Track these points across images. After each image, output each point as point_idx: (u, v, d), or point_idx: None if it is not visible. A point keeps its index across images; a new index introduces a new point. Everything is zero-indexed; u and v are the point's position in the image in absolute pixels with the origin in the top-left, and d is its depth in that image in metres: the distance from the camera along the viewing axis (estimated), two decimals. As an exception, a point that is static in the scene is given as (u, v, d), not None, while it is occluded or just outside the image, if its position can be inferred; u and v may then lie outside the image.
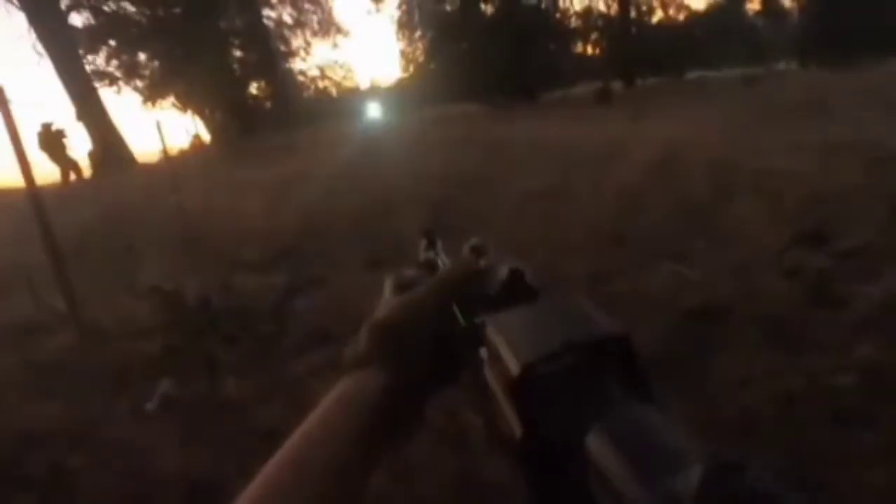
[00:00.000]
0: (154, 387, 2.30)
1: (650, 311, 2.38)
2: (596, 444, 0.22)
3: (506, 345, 0.29)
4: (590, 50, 21.82)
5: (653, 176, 4.60)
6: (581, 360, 0.27)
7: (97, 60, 16.29)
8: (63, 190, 11.80)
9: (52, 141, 12.51)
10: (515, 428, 0.26)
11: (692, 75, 18.62)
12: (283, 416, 2.04)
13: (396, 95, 22.73)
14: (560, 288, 0.38)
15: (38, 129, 12.37)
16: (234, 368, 2.43)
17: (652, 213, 3.61)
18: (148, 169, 12.59)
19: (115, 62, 16.73)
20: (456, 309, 0.41)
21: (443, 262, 0.55)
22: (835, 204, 3.17)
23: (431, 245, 0.59)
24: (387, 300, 0.42)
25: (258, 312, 3.00)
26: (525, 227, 3.83)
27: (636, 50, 18.89)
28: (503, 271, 0.39)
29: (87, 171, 13.57)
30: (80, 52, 15.11)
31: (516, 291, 0.38)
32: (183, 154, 14.78)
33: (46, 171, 12.60)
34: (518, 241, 3.55)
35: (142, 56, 16.97)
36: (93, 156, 14.04)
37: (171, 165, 6.72)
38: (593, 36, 21.34)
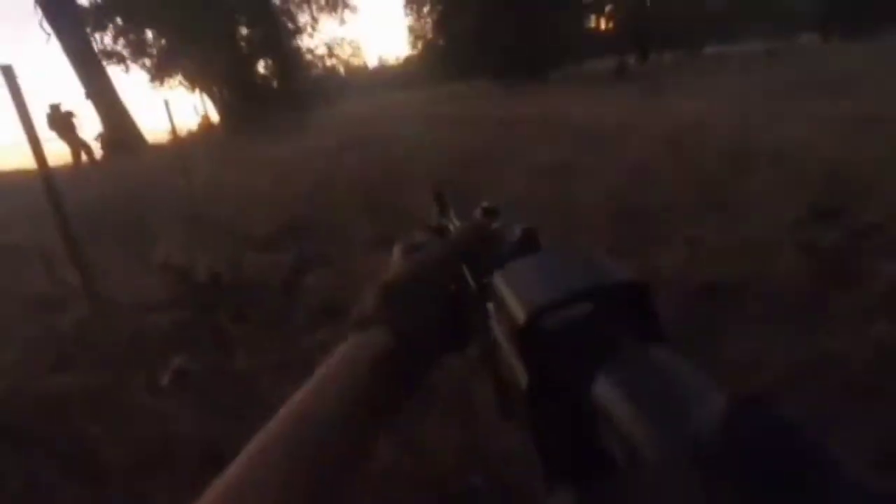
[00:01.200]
0: (167, 359, 2.34)
1: (660, 286, 2.35)
2: (603, 388, 0.20)
3: (511, 293, 0.28)
4: (603, 24, 21.29)
5: (666, 151, 4.51)
6: (591, 308, 0.25)
7: (105, 39, 16.23)
8: (74, 170, 11.91)
9: (61, 122, 12.58)
10: (521, 378, 0.25)
11: (710, 50, 18.11)
12: (292, 389, 2.07)
13: (405, 73, 22.45)
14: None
15: (48, 110, 12.44)
16: (244, 343, 2.47)
17: (665, 188, 3.56)
18: (157, 148, 12.63)
19: (122, 41, 16.66)
20: (466, 271, 0.40)
21: (454, 226, 0.54)
22: (854, 179, 3.09)
23: (443, 209, 0.58)
24: (395, 261, 0.41)
25: (267, 288, 3.03)
26: (535, 204, 3.79)
27: (651, 24, 18.38)
28: (516, 232, 0.38)
29: (97, 152, 13.66)
30: (87, 30, 15.04)
31: (529, 252, 0.36)
32: (192, 133, 14.80)
33: (57, 152, 12.72)
34: (527, 217, 3.51)
35: (149, 34, 16.86)
36: (103, 136, 14.11)
37: (180, 145, 6.73)
38: (607, 9, 20.79)
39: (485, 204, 0.46)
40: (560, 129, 6.45)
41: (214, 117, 17.80)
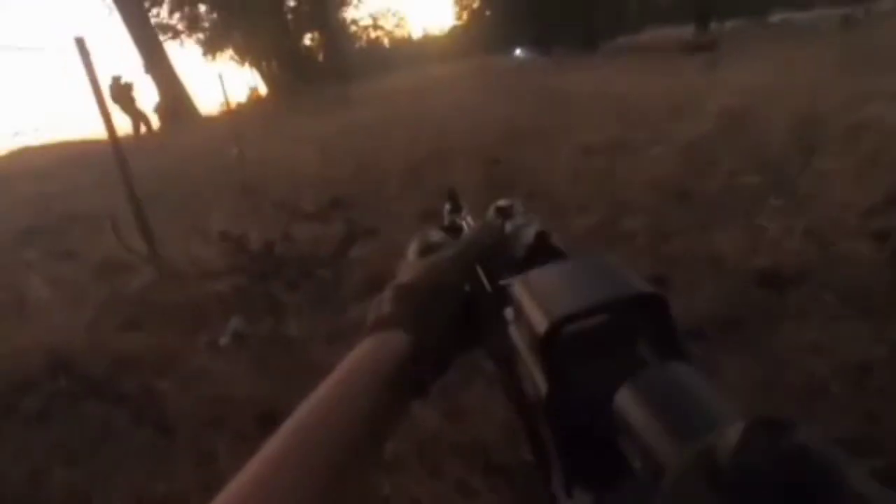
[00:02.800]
0: (226, 323, 2.48)
1: (716, 272, 2.27)
2: (625, 402, 0.21)
3: (533, 302, 0.28)
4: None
5: (725, 129, 4.27)
6: (611, 319, 0.26)
7: (161, 13, 16.74)
8: (134, 141, 12.52)
9: (121, 94, 13.18)
10: (541, 386, 0.26)
11: (777, 17, 16.78)
12: (340, 354, 2.16)
13: (450, 44, 22.06)
14: (601, 249, 0.37)
15: (109, 82, 13.04)
16: (295, 310, 2.57)
17: (723, 168, 3.39)
18: (211, 121, 13.05)
19: (177, 15, 17.15)
20: (481, 272, 0.40)
21: (468, 224, 0.55)
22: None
23: (456, 208, 0.58)
24: (411, 262, 0.42)
25: (316, 259, 3.12)
26: (584, 183, 3.70)
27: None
28: (530, 234, 0.39)
29: (154, 123, 14.27)
30: (146, 4, 15.55)
31: (543, 254, 0.38)
32: (242, 106, 15.20)
33: (118, 124, 13.35)
34: (576, 197, 3.44)
35: (202, 8, 17.26)
36: (160, 108, 14.70)
37: (232, 117, 6.93)
38: (665, -25, 19.54)
39: (499, 203, 0.46)
40: (612, 103, 6.21)
41: (263, 90, 18.19)
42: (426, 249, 0.43)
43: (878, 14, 12.86)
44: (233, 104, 10.83)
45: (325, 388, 0.33)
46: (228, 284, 2.83)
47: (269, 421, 1.90)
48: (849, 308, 1.89)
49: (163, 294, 2.81)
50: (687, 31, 16.04)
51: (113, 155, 3.10)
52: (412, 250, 0.45)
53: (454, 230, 0.54)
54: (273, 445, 0.30)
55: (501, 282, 0.37)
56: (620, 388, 0.21)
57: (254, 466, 0.29)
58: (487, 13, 19.87)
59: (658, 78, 7.62)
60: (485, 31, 19.32)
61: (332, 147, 6.41)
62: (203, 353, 2.26)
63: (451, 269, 0.39)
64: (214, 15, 17.40)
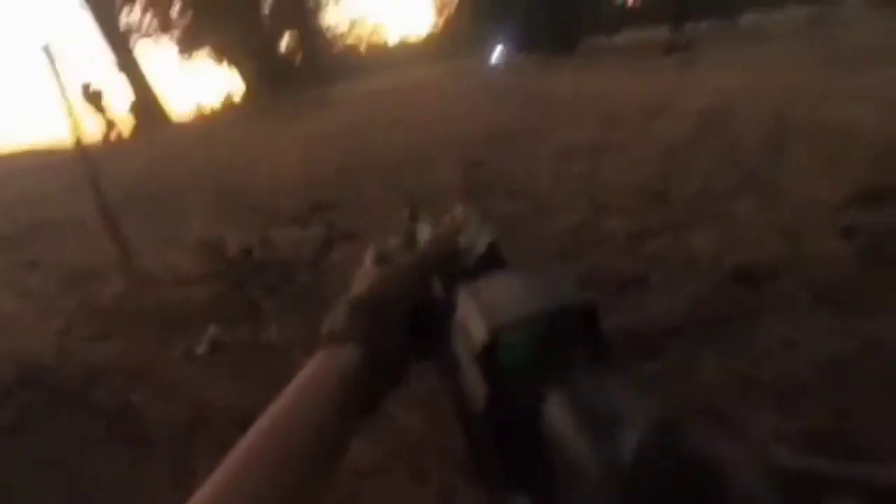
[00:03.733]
0: (203, 331, 2.43)
1: (693, 271, 2.31)
2: (551, 408, 0.22)
3: (474, 312, 0.29)
4: (635, -7, 20.42)
5: (701, 129, 4.36)
6: (547, 328, 0.27)
7: (133, 12, 16.37)
8: (105, 146, 12.22)
9: (91, 100, 12.91)
10: (480, 393, 0.27)
11: (748, 18, 17.22)
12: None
13: (428, 49, 22.09)
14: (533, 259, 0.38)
15: (80, 88, 12.76)
16: (275, 316, 2.53)
17: (699, 168, 3.45)
18: (185, 125, 12.81)
19: (149, 14, 16.79)
20: (436, 282, 0.41)
21: (422, 234, 0.55)
22: (901, 159, 2.94)
23: (413, 217, 0.59)
24: (365, 273, 0.42)
25: (296, 264, 3.08)
26: (564, 183, 3.73)
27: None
28: (481, 245, 0.40)
29: (126, 127, 13.96)
30: (117, 2, 15.20)
31: (493, 264, 0.39)
32: (217, 110, 14.95)
33: (89, 130, 13.08)
34: (557, 198, 3.47)
35: (175, 8, 16.93)
36: (135, 112, 14.40)
37: (207, 121, 6.82)
38: (640, -22, 19.89)
39: (453, 212, 0.47)
40: (590, 104, 6.28)
41: (239, 93, 17.92)
42: (381, 259, 0.43)
43: (841, 14, 13.32)
44: (207, 106, 10.65)
45: (278, 405, 0.33)
46: (205, 291, 2.78)
47: (246, 431, 1.87)
48: (821, 304, 1.94)
49: (137, 302, 2.74)
50: (663, 32, 16.35)
51: (81, 160, 3.01)
52: (367, 260, 0.44)
53: (411, 239, 0.55)
54: (231, 460, 0.30)
55: (457, 292, 0.37)
56: (548, 394, 0.23)
57: (214, 478, 0.29)
58: (464, 17, 19.93)
59: (635, 78, 7.75)
60: (462, 36, 19.38)
61: (311, 150, 6.34)
62: (180, 363, 2.20)
63: (404, 280, 0.39)
64: (189, 15, 17.09)
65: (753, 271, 2.21)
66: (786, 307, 1.97)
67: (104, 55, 14.49)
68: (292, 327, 2.43)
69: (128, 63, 14.39)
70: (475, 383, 0.28)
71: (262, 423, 0.32)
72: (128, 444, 1.76)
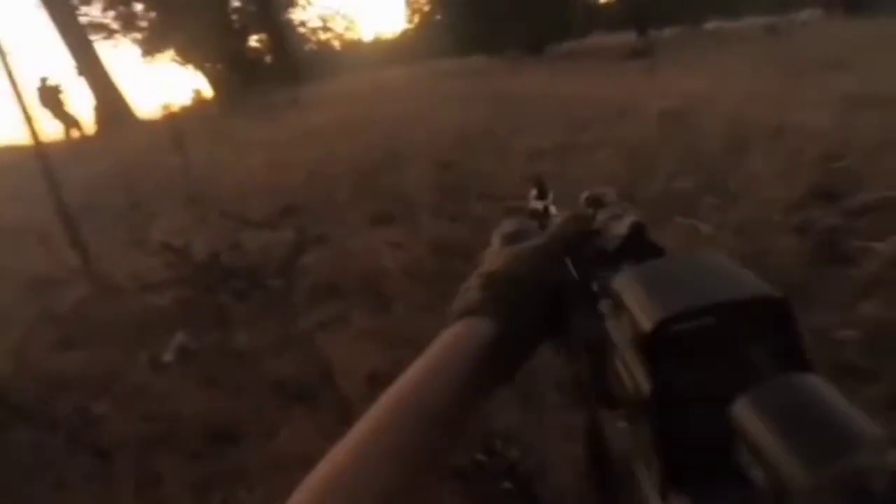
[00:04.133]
0: (169, 338, 2.37)
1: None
2: (747, 410, 0.20)
3: (639, 298, 0.27)
4: (603, -1, 20.86)
5: (665, 132, 4.49)
6: (725, 322, 0.24)
7: (92, 11, 15.79)
8: (66, 146, 11.75)
9: (50, 97, 12.36)
10: (643, 384, 0.25)
11: (710, 25, 17.81)
12: (293, 367, 2.12)
13: (402, 47, 22.02)
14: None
15: (37, 84, 12.20)
16: (245, 322, 2.49)
17: (663, 169, 3.55)
18: (150, 125, 12.44)
19: (111, 13, 16.22)
20: (569, 263, 0.40)
21: (554, 211, 0.54)
22: (851, 160, 3.10)
23: (542, 194, 0.58)
24: (496, 250, 0.42)
25: (266, 268, 3.04)
26: (532, 186, 3.79)
27: (651, -2, 18.00)
28: (623, 225, 0.37)
29: (89, 127, 13.45)
30: (75, 2, 14.63)
31: (637, 248, 0.36)
32: (185, 110, 14.55)
33: (49, 128, 12.53)
34: (526, 200, 3.52)
35: (138, 6, 16.41)
36: (97, 112, 13.89)
37: (174, 122, 6.64)
38: (607, -17, 20.33)
39: (589, 192, 0.44)
40: (559, 107, 6.39)
41: (208, 93, 17.49)
42: (511, 237, 0.43)
43: (799, 23, 13.90)
44: (175, 108, 10.36)
45: (413, 372, 0.34)
46: (171, 297, 2.71)
47: (219, 438, 1.83)
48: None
49: (99, 310, 2.66)
50: (629, 38, 16.74)
51: (39, 162, 2.90)
52: (497, 238, 0.44)
53: (540, 217, 0.54)
54: (366, 422, 0.31)
55: (595, 273, 0.36)
56: (741, 395, 0.20)
57: (350, 438, 0.30)
58: (438, 17, 19.98)
59: (601, 82, 7.92)
60: (435, 35, 19.41)
61: (282, 153, 6.25)
62: (145, 372, 2.15)
63: (537, 258, 0.39)
64: (152, 14, 16.57)
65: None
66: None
67: (64, 56, 13.94)
68: (263, 333, 2.40)
69: (88, 64, 13.86)
70: (636, 375, 0.26)
71: (394, 390, 0.32)
72: (89, 457, 1.70)
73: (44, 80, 12.30)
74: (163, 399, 1.95)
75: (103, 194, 5.54)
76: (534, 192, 0.59)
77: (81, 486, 1.60)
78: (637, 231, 0.36)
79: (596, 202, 0.42)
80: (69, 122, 12.75)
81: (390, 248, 3.13)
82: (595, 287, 0.36)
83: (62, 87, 12.70)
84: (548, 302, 0.37)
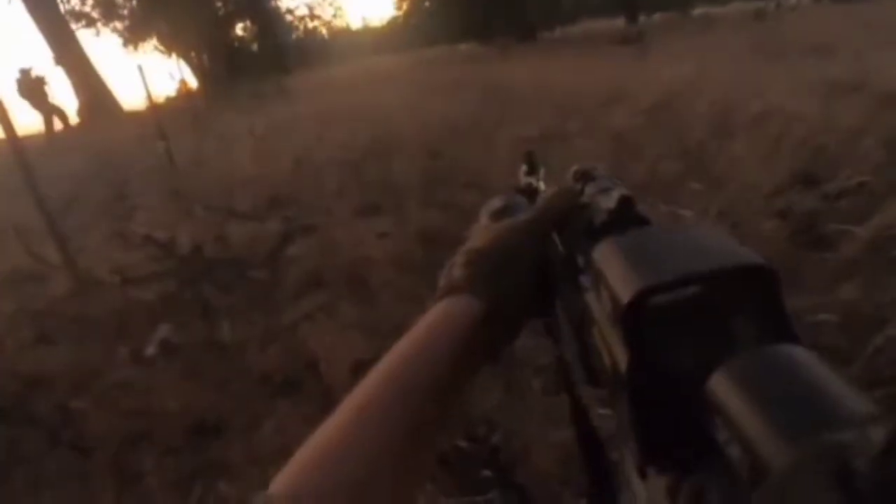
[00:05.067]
0: (152, 332, 2.35)
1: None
2: (723, 383, 0.19)
3: (617, 269, 0.26)
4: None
5: (651, 118, 4.49)
6: (707, 291, 0.23)
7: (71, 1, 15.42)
8: (48, 139, 11.53)
9: (32, 88, 12.09)
10: (621, 358, 0.24)
11: (699, 11, 17.79)
12: (278, 359, 2.11)
13: (390, 34, 21.77)
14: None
15: (17, 75, 11.93)
16: (229, 315, 2.47)
17: (648, 155, 3.56)
18: (134, 116, 12.24)
19: (91, 1, 15.86)
20: (556, 238, 0.39)
21: (543, 187, 0.53)
22: (833, 145, 3.12)
23: (532, 170, 0.56)
24: (482, 226, 0.41)
25: (251, 260, 3.01)
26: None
27: (641, -17, 17.93)
28: (611, 199, 0.35)
29: (72, 119, 13.20)
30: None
31: (626, 221, 0.34)
32: (170, 101, 14.32)
33: (29, 121, 12.29)
34: (512, 188, 3.51)
35: (119, -6, 16.06)
36: (81, 103, 13.63)
37: (158, 113, 6.53)
38: (596, -32, 20.18)
39: (577, 166, 0.42)
40: (547, 94, 6.36)
41: (192, 83, 17.22)
42: (499, 213, 0.43)
43: (787, 7, 13.92)
44: (159, 98, 10.17)
45: (398, 351, 0.33)
46: (154, 291, 2.68)
47: (202, 432, 1.82)
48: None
49: (79, 305, 2.62)
50: (618, 24, 16.68)
51: (14, 155, 2.84)
52: (484, 213, 0.44)
53: (529, 193, 0.52)
54: (351, 401, 0.31)
55: (581, 247, 0.35)
56: (719, 367, 0.19)
57: (335, 419, 0.30)
58: (426, 3, 19.74)
59: (590, 68, 7.89)
60: (424, 22, 19.20)
61: (268, 143, 6.19)
62: (126, 366, 2.13)
63: (523, 234, 0.38)
64: (134, 2, 16.22)
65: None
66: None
67: (41, 46, 13.61)
68: (247, 325, 2.39)
69: (68, 54, 13.56)
70: (614, 349, 0.24)
71: (379, 370, 0.32)
72: (67, 452, 1.69)
73: (26, 71, 12.02)
74: (145, 394, 1.94)
75: (86, 187, 5.46)
76: (524, 167, 0.57)
77: (61, 484, 1.59)
78: (625, 204, 0.35)
79: (585, 176, 0.40)
80: (51, 113, 12.49)
81: (377, 238, 3.11)
82: (580, 262, 0.34)
83: (46, 79, 12.43)
84: (534, 278, 0.37)
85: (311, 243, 3.22)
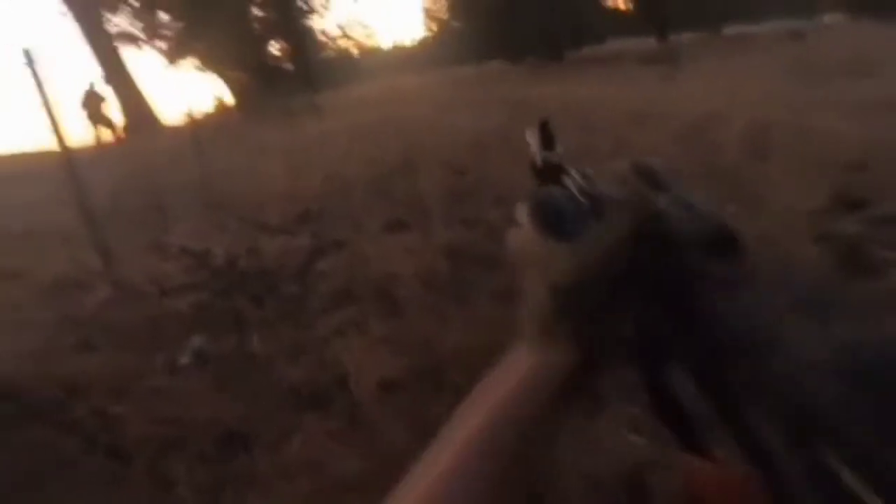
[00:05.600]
0: (186, 342, 2.40)
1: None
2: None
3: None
4: (622, 4, 20.74)
5: (683, 138, 4.43)
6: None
7: (119, 21, 16.27)
8: (96, 150, 12.10)
9: (93, 102, 12.91)
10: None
11: (732, 30, 17.56)
12: (307, 372, 2.13)
13: (420, 54, 22.16)
14: None
15: (83, 91, 12.80)
16: (260, 327, 2.52)
17: (681, 176, 3.50)
18: (174, 131, 12.73)
19: (137, 22, 16.69)
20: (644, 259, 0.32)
21: (577, 172, 0.43)
22: (875, 168, 3.01)
23: (548, 144, 0.47)
24: (553, 249, 0.33)
25: (283, 273, 3.07)
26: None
27: (671, 2, 17.83)
28: (707, 227, 0.30)
29: (121, 131, 13.89)
30: (102, 11, 15.09)
31: (724, 248, 0.30)
32: (207, 117, 14.88)
33: (83, 133, 13.02)
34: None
35: (163, 16, 16.85)
36: (125, 119, 14.35)
37: (195, 129, 6.78)
38: (626, -12, 20.22)
39: (635, 162, 0.36)
40: (575, 113, 6.35)
41: (228, 99, 17.85)
42: (551, 220, 0.35)
43: (824, 26, 13.62)
44: (197, 114, 10.59)
45: (488, 408, 0.31)
46: (189, 301, 2.75)
47: (231, 442, 1.85)
48: (797, 308, 1.97)
49: (119, 313, 2.71)
50: (648, 42, 16.60)
51: (66, 167, 2.99)
52: (522, 217, 0.36)
53: (553, 171, 0.45)
54: (443, 460, 0.29)
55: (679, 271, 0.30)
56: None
57: (423, 482, 0.29)
58: (456, 24, 20.09)
59: (620, 88, 7.85)
60: (453, 41, 19.53)
61: (300, 158, 6.33)
62: (161, 374, 2.18)
63: (610, 262, 0.31)
64: (177, 23, 17.00)
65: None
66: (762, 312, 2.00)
67: (89, 63, 14.42)
68: (276, 338, 2.42)
69: (116, 73, 14.28)
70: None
71: (462, 432, 0.30)
72: (105, 459, 1.73)
73: (90, 85, 12.90)
74: (178, 402, 1.98)
75: (127, 198, 5.67)
76: (534, 139, 0.47)
77: (97, 489, 1.63)
78: (726, 237, 0.30)
79: (647, 175, 0.34)
80: (105, 125, 13.27)
81: (405, 253, 3.13)
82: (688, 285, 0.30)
83: (104, 95, 13.30)
84: (624, 310, 0.32)
85: (341, 258, 3.27)
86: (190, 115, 7.77)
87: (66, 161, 3.01)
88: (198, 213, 4.73)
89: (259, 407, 1.96)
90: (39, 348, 2.48)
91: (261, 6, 17.93)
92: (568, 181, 0.42)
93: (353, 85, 17.16)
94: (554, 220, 0.34)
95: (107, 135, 13.35)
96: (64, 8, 13.90)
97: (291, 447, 1.73)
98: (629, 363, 0.35)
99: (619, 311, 0.32)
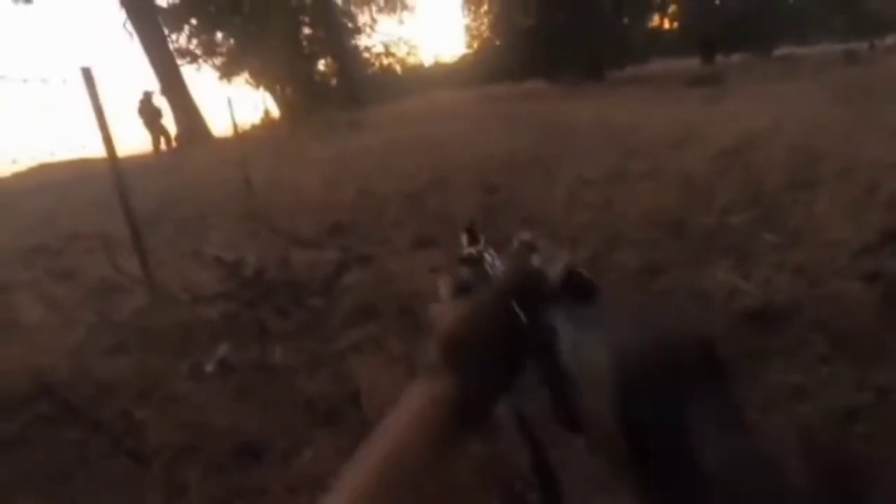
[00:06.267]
0: (213, 349, 2.48)
1: (703, 309, 2.25)
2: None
3: (598, 338, 0.34)
4: (666, 24, 20.43)
5: (723, 163, 4.28)
6: (672, 359, 0.32)
7: (180, 39, 17.28)
8: (151, 159, 12.80)
9: (149, 111, 13.66)
10: (610, 416, 0.31)
11: (781, 51, 16.96)
12: (324, 387, 2.15)
13: (461, 71, 22.44)
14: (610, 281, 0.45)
15: (141, 96, 13.52)
16: (283, 338, 2.57)
17: (718, 203, 3.38)
18: (222, 143, 13.32)
19: (195, 41, 17.69)
20: (516, 308, 0.43)
21: (490, 257, 0.58)
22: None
23: (474, 240, 0.62)
24: (449, 306, 0.45)
25: (309, 286, 3.13)
26: (579, 214, 3.71)
27: (718, 23, 17.41)
28: (557, 268, 0.42)
29: (175, 142, 14.64)
30: (165, 31, 16.07)
31: (575, 288, 0.41)
32: (254, 130, 15.51)
33: (138, 141, 13.79)
34: (571, 227, 3.45)
35: (219, 34, 17.80)
36: (178, 129, 15.12)
37: (242, 141, 7.08)
38: (671, 8, 19.91)
39: (523, 237, 0.48)
40: (612, 134, 6.26)
41: (275, 113, 18.57)
42: (459, 290, 0.47)
43: (882, 48, 12.95)
44: (245, 127, 11.06)
45: (387, 438, 0.37)
46: (218, 310, 2.84)
47: (246, 453, 1.88)
48: (836, 350, 1.85)
49: (153, 318, 2.83)
50: (693, 63, 16.24)
51: (113, 176, 3.17)
52: (444, 291, 0.48)
53: (474, 261, 0.59)
54: (354, 480, 0.34)
55: (538, 313, 0.41)
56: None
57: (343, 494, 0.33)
58: (497, 42, 20.27)
59: (660, 109, 7.69)
60: (494, 60, 19.68)
61: (336, 171, 6.49)
62: (186, 380, 2.25)
63: (490, 311, 0.42)
64: (231, 41, 17.91)
65: (767, 312, 2.14)
66: (798, 352, 1.89)
67: (146, 77, 15.34)
68: (299, 351, 2.46)
69: (173, 87, 15.13)
70: (602, 410, 0.32)
71: (367, 457, 0.36)
72: (127, 459, 1.80)
73: (148, 94, 13.64)
74: (199, 409, 2.03)
75: (172, 206, 5.96)
76: (465, 238, 0.64)
77: (119, 490, 1.68)
78: (573, 277, 0.41)
79: (530, 247, 0.47)
80: (160, 134, 14.00)
81: (430, 271, 3.14)
82: (543, 327, 0.40)
83: (160, 108, 14.06)
84: (503, 352, 0.40)
85: (367, 273, 3.30)
86: (238, 128, 8.11)
87: (115, 170, 3.19)
88: (236, 223, 4.91)
89: (275, 419, 1.99)
90: (77, 348, 2.61)
91: (310, 25, 18.69)
92: (485, 264, 0.57)
93: (395, 101, 17.52)
94: (460, 291, 0.47)
95: (163, 144, 14.09)
96: (129, 26, 14.87)
97: (302, 462, 1.74)
98: (509, 395, 0.43)
99: (497, 350, 0.40)
